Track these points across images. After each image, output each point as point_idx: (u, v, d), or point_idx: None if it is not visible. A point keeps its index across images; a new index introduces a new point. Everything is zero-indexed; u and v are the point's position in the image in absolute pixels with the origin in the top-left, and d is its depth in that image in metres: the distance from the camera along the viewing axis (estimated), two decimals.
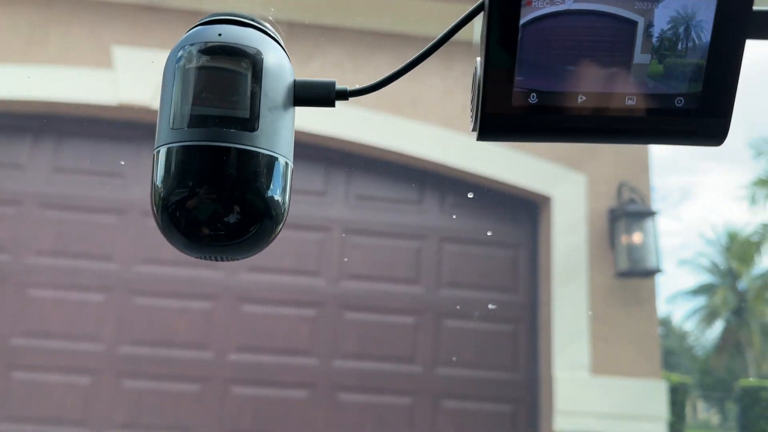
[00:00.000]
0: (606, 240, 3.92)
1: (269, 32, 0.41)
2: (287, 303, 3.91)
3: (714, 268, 17.67)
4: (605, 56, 0.34)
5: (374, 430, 3.80)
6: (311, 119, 3.93)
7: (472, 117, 0.38)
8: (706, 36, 0.33)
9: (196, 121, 0.37)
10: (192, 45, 0.38)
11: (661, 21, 0.33)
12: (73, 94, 3.85)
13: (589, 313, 3.82)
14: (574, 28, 0.34)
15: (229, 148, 0.37)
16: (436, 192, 4.12)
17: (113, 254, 3.81)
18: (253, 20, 0.41)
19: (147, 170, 0.44)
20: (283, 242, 3.90)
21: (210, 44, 0.38)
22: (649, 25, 0.33)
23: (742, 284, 16.52)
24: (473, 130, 0.38)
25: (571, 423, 3.69)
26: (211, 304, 3.82)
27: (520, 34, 0.34)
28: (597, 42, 0.34)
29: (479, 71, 0.36)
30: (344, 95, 0.42)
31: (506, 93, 0.35)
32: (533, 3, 0.34)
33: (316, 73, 4.00)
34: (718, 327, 16.99)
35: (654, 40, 0.33)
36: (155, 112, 0.40)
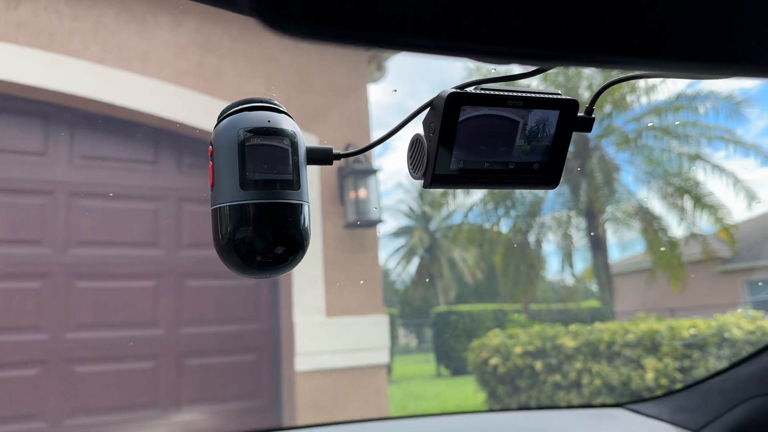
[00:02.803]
0: (336, 195, 4.32)
1: (287, 113, 0.53)
2: (6, 276, 3.52)
3: (411, 213, 20.14)
4: (500, 141, 0.58)
5: (115, 398, 3.70)
6: (26, 67, 3.52)
7: (415, 170, 0.57)
8: (552, 130, 0.57)
9: (261, 184, 0.51)
10: (249, 128, 0.51)
11: (531, 121, 0.57)
12: None
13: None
14: (486, 124, 0.56)
15: (286, 203, 0.52)
16: (172, 151, 4.04)
17: None
18: (280, 106, 0.55)
19: None
20: None
21: (264, 128, 0.52)
22: (525, 124, 0.57)
23: (433, 226, 19.22)
24: (418, 179, 0.57)
25: (310, 362, 4.07)
26: None
27: (458, 127, 0.53)
28: (497, 133, 0.58)
29: (426, 144, 0.55)
30: (337, 156, 0.58)
31: (447, 161, 0.55)
32: (466, 110, 0.54)
33: (27, 16, 3.58)
34: (414, 263, 19.53)
35: (527, 132, 0.58)
36: None
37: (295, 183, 0.52)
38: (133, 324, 3.81)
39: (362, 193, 4.24)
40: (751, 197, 9.09)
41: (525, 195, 10.30)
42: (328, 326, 4.18)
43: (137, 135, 3.95)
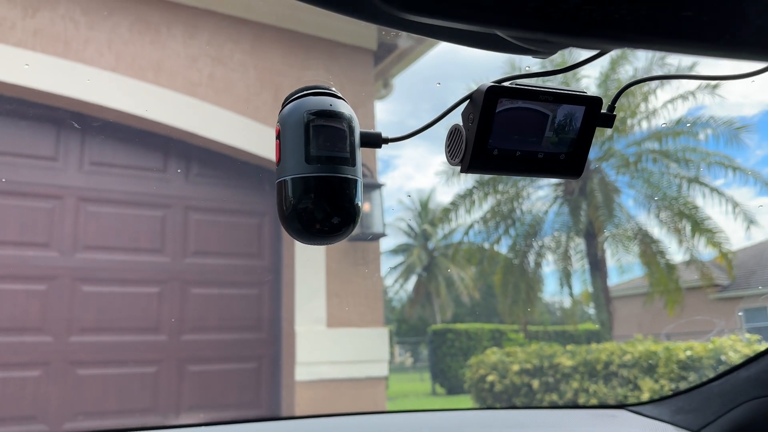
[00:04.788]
0: None
1: (344, 98, 0.59)
2: (13, 278, 3.56)
3: (410, 231, 20.19)
4: (532, 131, 0.64)
5: (117, 401, 3.72)
6: (41, 73, 3.60)
7: (453, 157, 0.62)
8: (578, 124, 0.63)
9: (322, 160, 0.57)
10: (313, 111, 0.57)
11: (559, 115, 0.63)
12: None
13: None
14: (520, 116, 0.61)
15: (344, 177, 0.57)
16: (181, 160, 4.10)
17: None
18: (337, 93, 0.60)
19: None
20: (5, 211, 3.54)
21: (327, 110, 0.58)
22: (554, 117, 0.63)
23: (431, 244, 19.25)
24: (455, 165, 0.62)
25: (310, 372, 4.10)
26: None
27: (494, 118, 0.59)
28: (529, 124, 0.64)
29: (465, 133, 0.60)
30: (386, 141, 0.64)
31: (484, 148, 0.60)
32: (503, 102, 0.59)
33: (44, 24, 3.65)
34: (412, 281, 19.53)
35: (555, 125, 0.63)
36: None
37: (351, 160, 0.58)
38: (137, 329, 3.84)
39: (366, 207, 4.30)
40: (750, 222, 9.17)
41: (525, 214, 10.36)
42: (328, 337, 4.21)
43: (147, 143, 4.01)
